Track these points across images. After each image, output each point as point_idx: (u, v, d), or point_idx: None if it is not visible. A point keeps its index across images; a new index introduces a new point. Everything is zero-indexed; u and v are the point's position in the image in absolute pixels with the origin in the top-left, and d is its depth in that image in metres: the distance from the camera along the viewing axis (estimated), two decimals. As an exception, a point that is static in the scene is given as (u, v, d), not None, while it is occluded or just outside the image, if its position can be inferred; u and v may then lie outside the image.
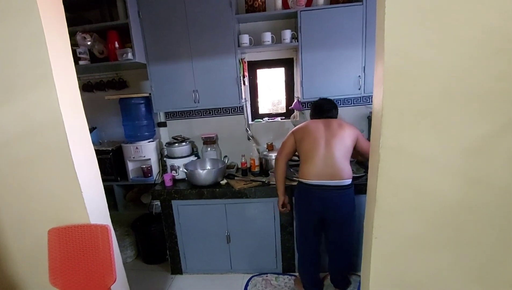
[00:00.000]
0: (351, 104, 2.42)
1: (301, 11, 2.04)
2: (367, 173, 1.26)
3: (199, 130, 2.53)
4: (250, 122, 2.50)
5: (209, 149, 2.45)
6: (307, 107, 2.36)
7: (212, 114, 2.51)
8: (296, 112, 2.40)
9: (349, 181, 1.68)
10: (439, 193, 1.09)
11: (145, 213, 2.51)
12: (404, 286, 1.23)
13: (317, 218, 1.75)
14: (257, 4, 2.12)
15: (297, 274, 2.18)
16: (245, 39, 2.16)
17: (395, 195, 1.14)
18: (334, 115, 1.93)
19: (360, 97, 2.36)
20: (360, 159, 2.12)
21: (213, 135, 2.45)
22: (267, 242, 2.20)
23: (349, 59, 2.12)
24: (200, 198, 2.11)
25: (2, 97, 1.31)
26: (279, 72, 2.50)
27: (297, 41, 2.10)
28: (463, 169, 1.04)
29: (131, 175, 2.43)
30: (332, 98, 2.21)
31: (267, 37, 2.14)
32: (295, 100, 2.31)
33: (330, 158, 1.70)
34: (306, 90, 2.18)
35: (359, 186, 1.86)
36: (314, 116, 1.96)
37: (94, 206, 1.46)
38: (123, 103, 2.34)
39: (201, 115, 2.52)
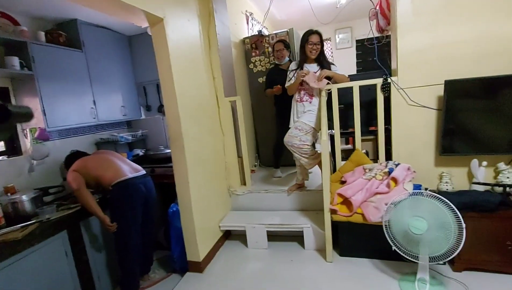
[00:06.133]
0: (86, 133, 2.69)
1: (31, 43, 2.05)
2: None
3: None
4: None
5: None
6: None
7: None
8: (33, 144, 2.15)
9: (139, 173, 2.18)
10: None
11: None
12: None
13: (143, 202, 2.06)
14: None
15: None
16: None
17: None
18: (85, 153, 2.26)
19: (95, 125, 2.70)
20: None
21: None
22: (65, 287, 1.86)
23: (82, 94, 2.48)
24: None
25: None
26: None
27: (30, 70, 2.04)
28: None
29: None
30: (73, 126, 2.43)
31: (-11, 59, 1.81)
32: (38, 130, 2.11)
33: (125, 161, 2.15)
34: (51, 120, 2.16)
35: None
36: (76, 157, 2.12)
37: None
38: None
39: None
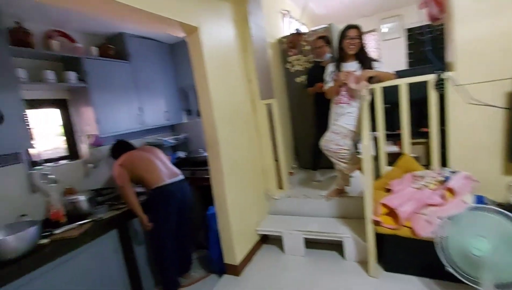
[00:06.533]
0: (134, 138, 2.89)
1: (85, 58, 2.26)
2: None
3: None
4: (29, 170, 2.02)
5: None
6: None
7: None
8: (89, 150, 2.39)
9: (179, 178, 2.27)
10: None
11: None
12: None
13: (177, 210, 2.15)
14: (30, 40, 1.95)
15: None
16: (22, 74, 1.88)
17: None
18: (131, 145, 2.40)
19: (142, 130, 2.89)
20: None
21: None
22: (115, 282, 2.03)
23: (129, 101, 2.66)
24: (19, 277, 1.49)
25: None
26: (49, 113, 2.30)
27: (84, 82, 2.25)
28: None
29: None
30: (122, 132, 2.60)
31: (50, 75, 2.04)
32: (93, 137, 2.34)
33: (166, 165, 2.25)
34: (103, 127, 2.37)
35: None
36: (122, 151, 2.25)
37: None
38: None
39: None
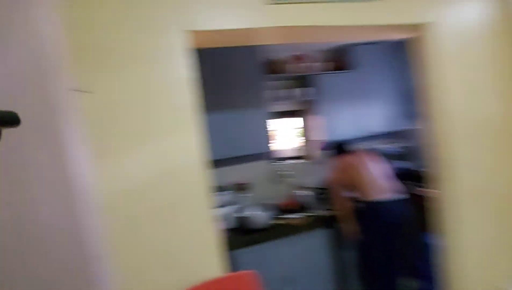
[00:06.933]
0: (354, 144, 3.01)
1: (316, 74, 2.67)
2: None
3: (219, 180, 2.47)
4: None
5: (242, 195, 2.50)
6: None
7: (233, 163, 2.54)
8: (317, 152, 2.81)
9: (398, 195, 2.09)
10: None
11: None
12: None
13: (384, 230, 2.03)
14: (276, 67, 2.61)
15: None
16: (269, 94, 2.51)
17: None
18: (351, 149, 2.41)
19: (363, 137, 2.91)
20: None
21: (246, 182, 2.53)
22: (319, 273, 2.25)
23: (349, 108, 2.77)
24: (259, 243, 2.07)
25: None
26: (291, 121, 2.97)
27: (316, 95, 2.66)
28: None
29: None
30: (343, 138, 2.71)
31: (291, 92, 2.62)
32: (321, 142, 2.74)
33: (377, 178, 2.12)
34: (329, 133, 2.68)
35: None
36: (340, 152, 2.38)
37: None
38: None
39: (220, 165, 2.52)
